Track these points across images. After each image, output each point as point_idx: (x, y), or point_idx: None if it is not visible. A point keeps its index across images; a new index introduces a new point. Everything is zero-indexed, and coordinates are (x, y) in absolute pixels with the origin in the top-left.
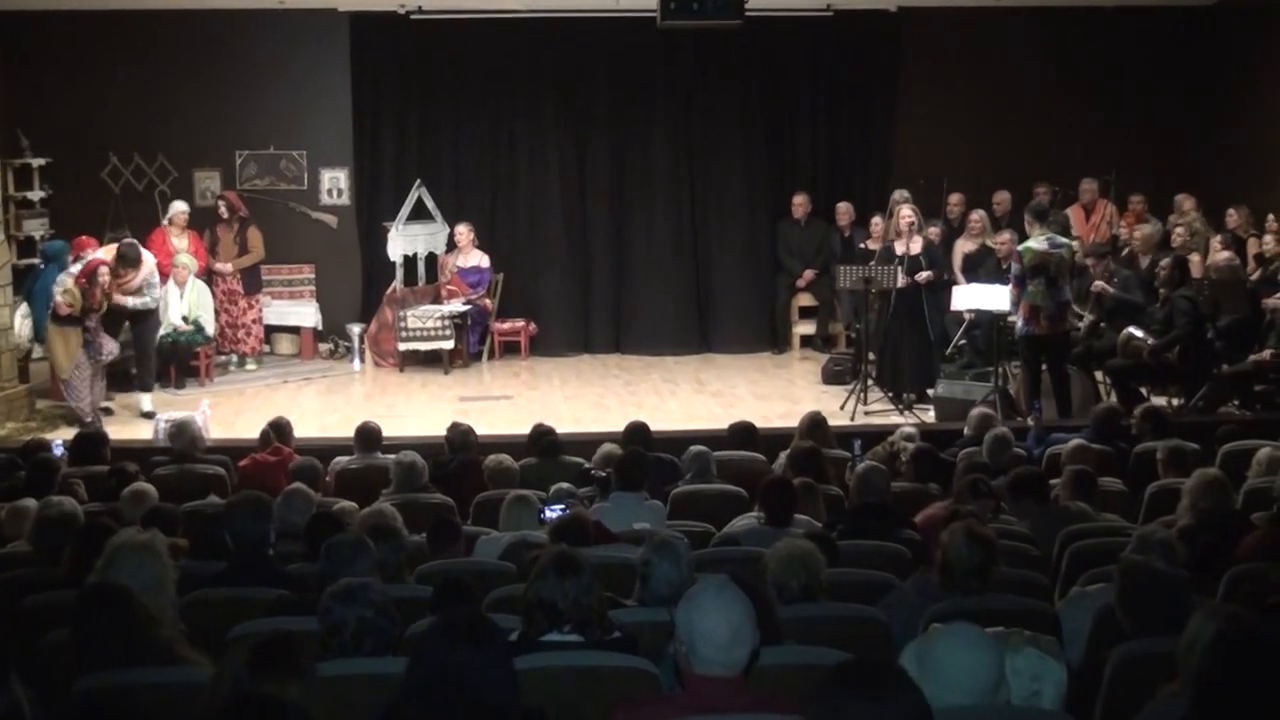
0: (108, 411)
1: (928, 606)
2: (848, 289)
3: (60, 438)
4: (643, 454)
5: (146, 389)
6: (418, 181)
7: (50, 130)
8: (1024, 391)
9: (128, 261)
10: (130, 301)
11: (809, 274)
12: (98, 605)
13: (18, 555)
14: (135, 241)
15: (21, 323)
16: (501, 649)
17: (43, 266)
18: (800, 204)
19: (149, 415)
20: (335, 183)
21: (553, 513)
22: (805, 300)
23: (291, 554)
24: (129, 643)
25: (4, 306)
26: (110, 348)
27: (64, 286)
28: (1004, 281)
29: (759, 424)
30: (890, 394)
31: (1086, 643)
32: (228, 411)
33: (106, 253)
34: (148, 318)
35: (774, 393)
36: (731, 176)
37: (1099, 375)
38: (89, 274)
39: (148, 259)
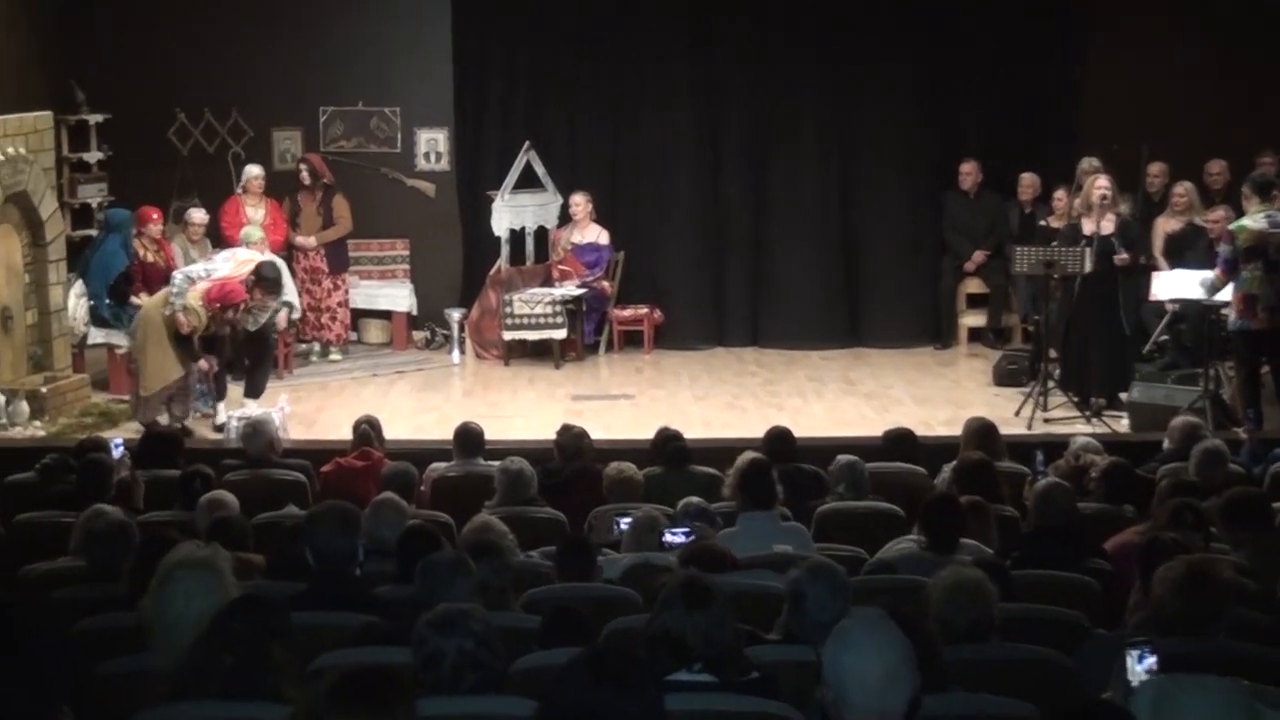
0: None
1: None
2: (1026, 274)
3: (120, 436)
4: (768, 463)
5: (256, 394)
6: (527, 144)
7: (110, 83)
8: (1239, 397)
9: (268, 286)
10: (250, 323)
11: (979, 256)
12: (248, 616)
13: (71, 571)
14: (276, 260)
15: (76, 303)
16: (652, 692)
17: (103, 237)
18: (969, 173)
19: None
20: (433, 145)
21: (675, 537)
22: (975, 287)
23: (381, 574)
24: (251, 671)
25: (57, 285)
26: (207, 366)
27: (186, 302)
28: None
29: (919, 431)
30: (1076, 398)
31: None
32: (309, 408)
33: (241, 266)
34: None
35: (937, 395)
36: (889, 141)
37: None
38: (228, 304)
39: (288, 280)
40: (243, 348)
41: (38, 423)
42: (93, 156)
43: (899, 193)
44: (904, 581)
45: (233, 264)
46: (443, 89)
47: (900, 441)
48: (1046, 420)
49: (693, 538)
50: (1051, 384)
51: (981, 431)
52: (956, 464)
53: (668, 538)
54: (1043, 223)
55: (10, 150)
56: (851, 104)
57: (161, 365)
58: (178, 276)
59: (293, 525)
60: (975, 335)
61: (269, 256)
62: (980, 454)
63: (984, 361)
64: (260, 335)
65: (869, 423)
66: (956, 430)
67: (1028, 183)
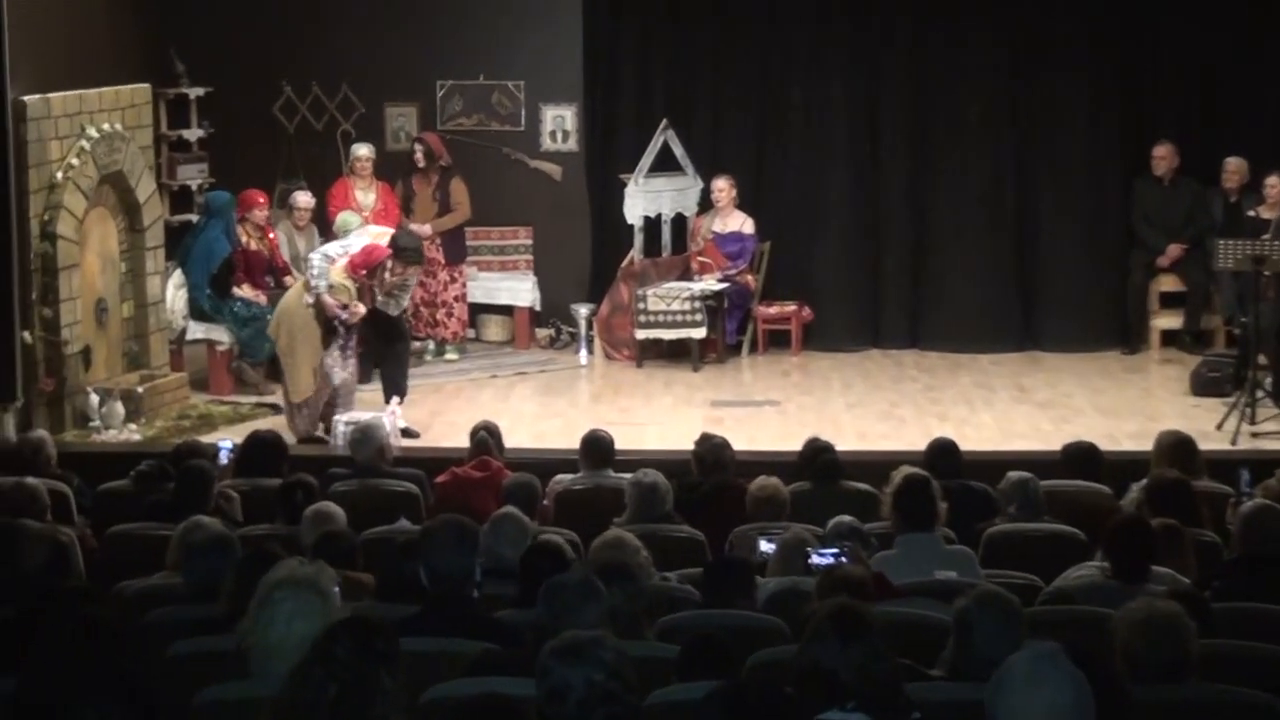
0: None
1: None
2: (1231, 270)
3: (228, 438)
4: (929, 480)
5: (401, 393)
6: (664, 123)
7: (211, 53)
8: None
9: (408, 257)
10: (391, 306)
11: (1175, 250)
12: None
13: (167, 589)
14: (415, 231)
15: (175, 294)
16: None
17: (204, 223)
18: (1163, 157)
19: (411, 434)
20: (560, 123)
21: (821, 559)
22: (1169, 284)
23: (501, 597)
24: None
25: (155, 274)
26: (348, 372)
27: (329, 279)
28: None
29: (1103, 446)
30: None
31: None
32: (422, 412)
33: (375, 237)
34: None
35: (1124, 405)
36: (1070, 119)
37: None
38: (372, 266)
39: None
40: (377, 341)
41: (133, 425)
42: (193, 134)
43: (1081, 178)
44: (1085, 614)
45: (368, 237)
46: (571, 61)
47: (1081, 457)
48: (1254, 435)
49: (841, 560)
50: (1261, 394)
51: (1177, 446)
52: (1148, 482)
53: (814, 559)
54: (1251, 213)
55: (105, 126)
56: (1026, 77)
57: (313, 364)
58: (315, 258)
59: (404, 541)
60: (1170, 339)
61: (415, 235)
62: (1176, 472)
63: (1180, 368)
64: (397, 326)
65: (1044, 435)
66: (1147, 445)
67: (1234, 168)
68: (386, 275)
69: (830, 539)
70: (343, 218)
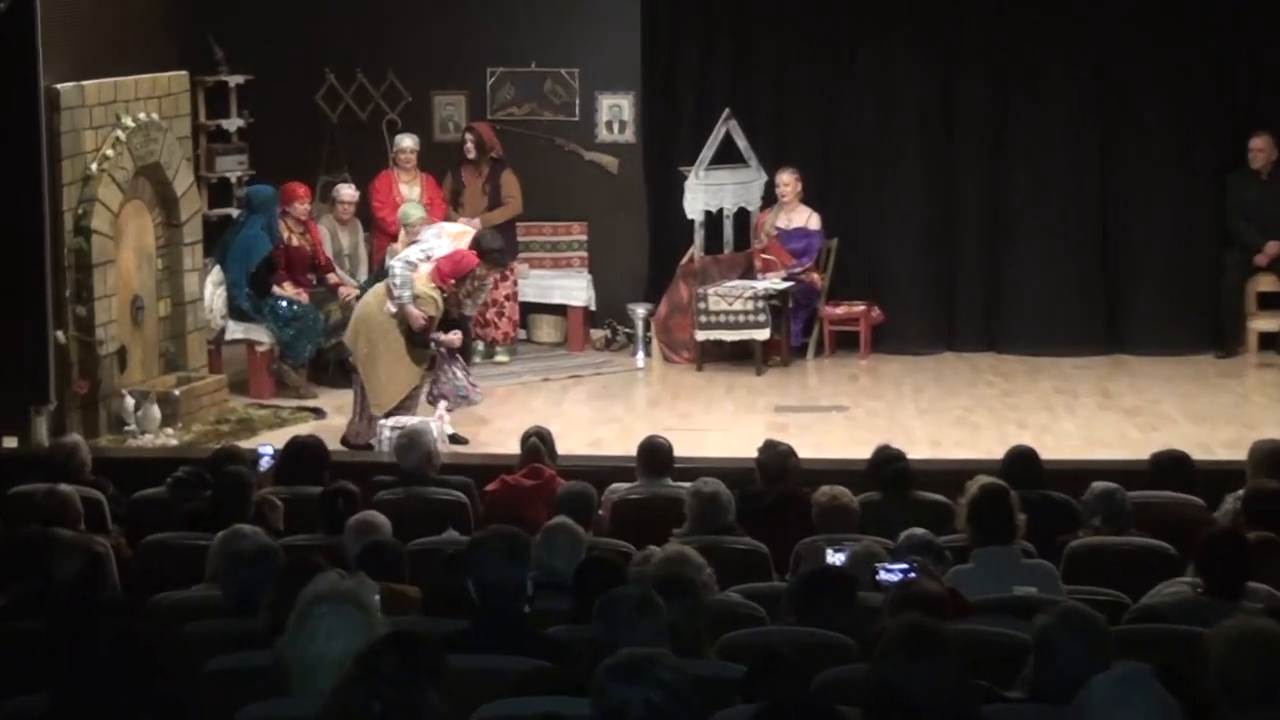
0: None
1: None
2: None
3: (268, 444)
4: (1007, 490)
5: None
6: (726, 112)
7: (251, 39)
8: None
9: (494, 259)
10: (468, 307)
11: (1274, 247)
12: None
13: (205, 601)
14: (497, 232)
15: (214, 292)
16: None
17: (244, 218)
18: (1261, 149)
19: (459, 440)
20: (617, 113)
21: (890, 575)
22: (1267, 284)
23: (554, 612)
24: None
25: (193, 271)
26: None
27: (414, 289)
28: None
29: (1195, 454)
30: None
31: None
32: (471, 417)
33: (459, 239)
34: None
35: (1217, 412)
36: (1160, 109)
37: None
38: (462, 275)
39: None
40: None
41: (169, 430)
42: (232, 124)
43: (1171, 171)
44: (1176, 633)
45: (448, 239)
46: (629, 47)
47: (1172, 466)
48: None
49: (910, 574)
50: None
51: (1275, 455)
52: (1245, 493)
53: (882, 575)
54: None
55: (142, 115)
56: (1113, 64)
57: (397, 375)
58: (397, 266)
59: (453, 553)
60: (1267, 342)
61: (498, 236)
62: (1274, 482)
63: (1278, 374)
64: (460, 327)
65: (1131, 443)
66: (1242, 454)
67: None
68: (474, 286)
69: (902, 552)
70: (405, 210)
